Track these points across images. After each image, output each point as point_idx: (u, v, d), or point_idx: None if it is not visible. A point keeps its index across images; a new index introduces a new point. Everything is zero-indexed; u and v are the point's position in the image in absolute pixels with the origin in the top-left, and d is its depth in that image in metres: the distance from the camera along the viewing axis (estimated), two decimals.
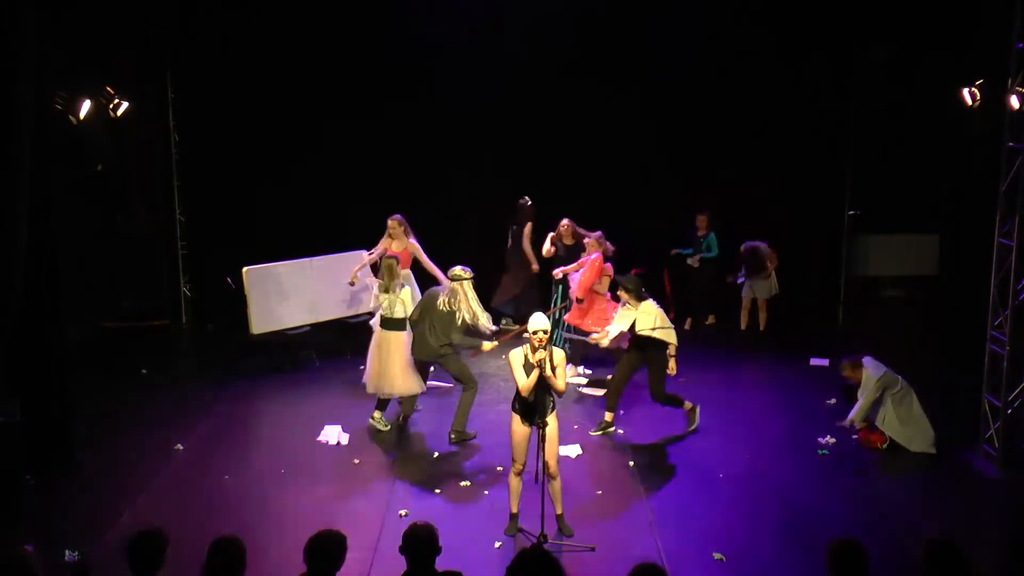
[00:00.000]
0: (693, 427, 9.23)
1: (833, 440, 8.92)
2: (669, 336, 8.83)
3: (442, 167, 12.84)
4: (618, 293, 9.16)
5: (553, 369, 7.00)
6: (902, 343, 11.43)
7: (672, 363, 8.89)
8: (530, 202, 12.11)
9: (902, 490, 8.17)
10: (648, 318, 8.82)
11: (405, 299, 9.22)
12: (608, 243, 10.60)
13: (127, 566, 4.62)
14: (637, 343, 9.05)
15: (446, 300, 8.85)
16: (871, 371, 8.69)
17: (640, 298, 8.91)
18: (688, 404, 9.24)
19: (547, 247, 11.41)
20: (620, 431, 9.27)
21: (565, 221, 11.35)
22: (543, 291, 11.67)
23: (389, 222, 10.75)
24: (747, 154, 12.69)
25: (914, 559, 4.79)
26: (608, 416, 9.26)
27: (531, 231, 12.08)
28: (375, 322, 9.54)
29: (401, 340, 9.15)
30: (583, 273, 10.35)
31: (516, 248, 12.18)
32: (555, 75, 12.47)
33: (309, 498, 7.86)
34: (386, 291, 9.21)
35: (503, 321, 12.14)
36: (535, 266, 12.00)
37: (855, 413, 8.74)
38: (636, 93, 12.56)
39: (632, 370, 9.25)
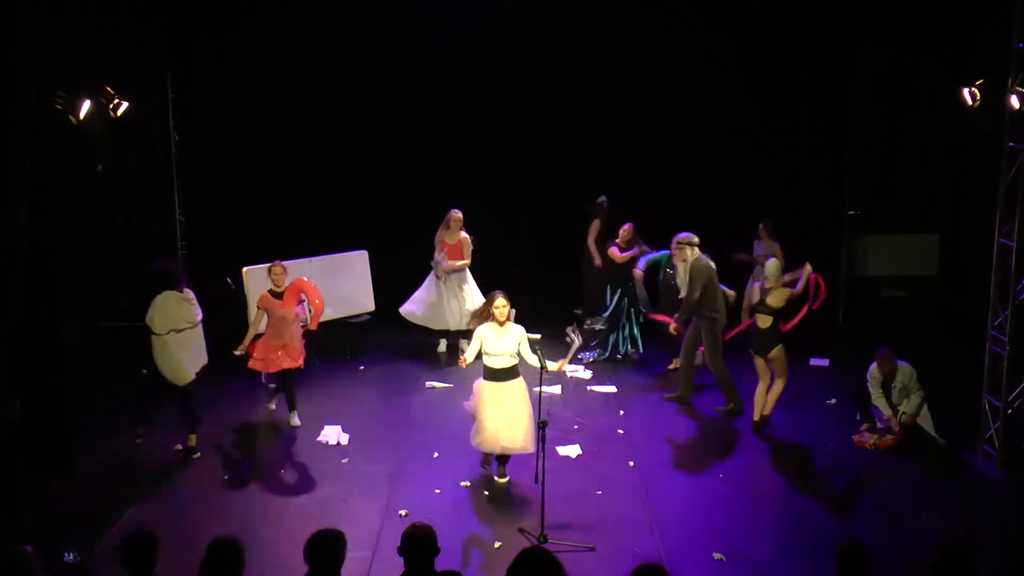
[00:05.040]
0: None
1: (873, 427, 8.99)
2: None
3: (442, 167, 12.83)
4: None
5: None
6: (902, 343, 11.39)
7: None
8: (603, 200, 11.81)
9: (902, 490, 8.16)
10: None
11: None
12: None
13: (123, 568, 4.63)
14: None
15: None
16: (906, 365, 8.77)
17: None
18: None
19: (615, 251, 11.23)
20: (620, 431, 9.27)
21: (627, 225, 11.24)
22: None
23: (453, 214, 11.14)
24: (747, 154, 12.66)
25: (924, 563, 4.77)
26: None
27: (598, 229, 11.72)
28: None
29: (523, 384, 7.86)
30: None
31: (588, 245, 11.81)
32: (558, 77, 12.48)
33: (309, 498, 7.87)
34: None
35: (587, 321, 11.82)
36: (597, 261, 11.55)
37: (912, 407, 8.75)
38: (634, 93, 12.55)
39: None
